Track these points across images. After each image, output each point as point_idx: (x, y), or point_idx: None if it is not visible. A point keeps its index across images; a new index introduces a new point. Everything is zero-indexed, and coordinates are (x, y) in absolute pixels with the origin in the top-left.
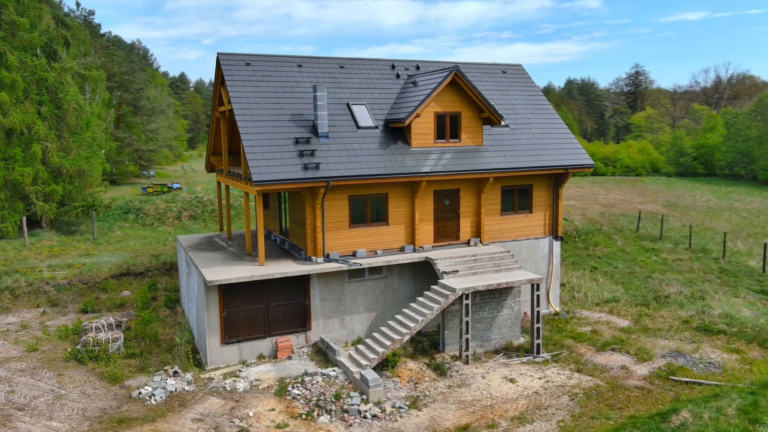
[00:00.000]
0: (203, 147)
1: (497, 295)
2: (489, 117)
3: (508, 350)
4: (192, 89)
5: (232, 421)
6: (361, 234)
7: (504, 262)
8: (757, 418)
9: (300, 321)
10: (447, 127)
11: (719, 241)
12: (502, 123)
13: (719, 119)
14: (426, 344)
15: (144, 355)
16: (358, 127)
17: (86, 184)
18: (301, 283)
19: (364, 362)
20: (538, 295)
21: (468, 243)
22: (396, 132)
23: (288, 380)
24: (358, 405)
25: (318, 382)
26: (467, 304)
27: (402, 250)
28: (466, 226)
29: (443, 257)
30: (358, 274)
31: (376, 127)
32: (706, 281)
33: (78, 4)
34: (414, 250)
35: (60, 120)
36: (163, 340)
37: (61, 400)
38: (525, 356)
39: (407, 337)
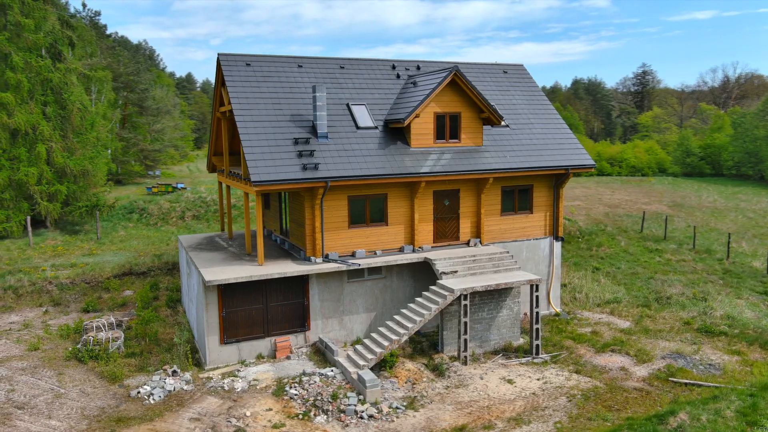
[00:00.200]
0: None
1: (496, 295)
2: (489, 117)
3: (508, 351)
4: (199, 89)
5: (229, 421)
6: (360, 234)
7: (503, 263)
8: (756, 420)
9: (299, 321)
10: (447, 128)
11: (724, 241)
12: (502, 123)
13: (726, 119)
14: (425, 345)
15: (144, 354)
16: (358, 127)
17: (90, 184)
18: (300, 283)
19: (361, 362)
20: (537, 296)
21: (468, 243)
22: (396, 132)
23: (286, 380)
24: (355, 405)
25: (315, 382)
26: (465, 305)
27: (401, 250)
28: (465, 227)
29: (442, 258)
30: (357, 274)
31: (376, 127)
32: (709, 282)
33: (84, 5)
34: (413, 251)
35: (64, 120)
36: (163, 339)
37: (60, 398)
38: (524, 357)
39: (405, 338)
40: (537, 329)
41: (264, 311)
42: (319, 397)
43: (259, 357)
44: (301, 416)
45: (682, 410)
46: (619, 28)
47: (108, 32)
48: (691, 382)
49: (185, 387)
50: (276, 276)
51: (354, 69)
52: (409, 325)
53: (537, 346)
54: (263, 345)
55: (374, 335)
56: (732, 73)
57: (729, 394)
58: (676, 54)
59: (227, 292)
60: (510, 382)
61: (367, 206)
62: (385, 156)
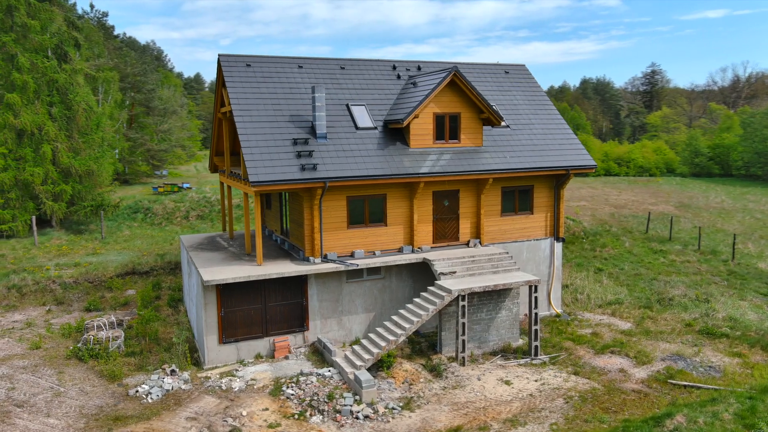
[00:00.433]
0: None
1: (495, 296)
2: (489, 118)
3: (506, 352)
4: (207, 89)
5: (226, 420)
6: (359, 234)
7: (502, 264)
8: (754, 423)
9: (297, 321)
10: (446, 128)
11: (730, 242)
12: (502, 123)
13: (735, 119)
14: (424, 345)
15: (144, 353)
16: (357, 127)
17: (95, 184)
18: (299, 283)
19: (358, 363)
20: (535, 297)
21: (467, 244)
22: (395, 133)
23: (283, 380)
24: (351, 405)
25: (312, 382)
26: (463, 306)
27: (400, 250)
28: (465, 227)
29: (441, 258)
30: (356, 274)
31: (375, 127)
32: (712, 284)
33: (92, 6)
34: (412, 251)
35: (70, 121)
36: (164, 339)
37: (59, 397)
38: (522, 358)
39: (402, 338)
40: (536, 330)
41: (262, 311)
42: (315, 397)
43: (258, 357)
44: (297, 416)
45: (679, 413)
46: (629, 27)
47: (116, 33)
48: (691, 384)
49: (183, 386)
50: (274, 276)
51: (354, 69)
52: (407, 325)
53: (536, 347)
54: (262, 345)
55: (372, 336)
56: (742, 73)
57: (728, 397)
58: (687, 53)
59: (226, 292)
60: (507, 383)
61: (366, 206)
62: (384, 156)
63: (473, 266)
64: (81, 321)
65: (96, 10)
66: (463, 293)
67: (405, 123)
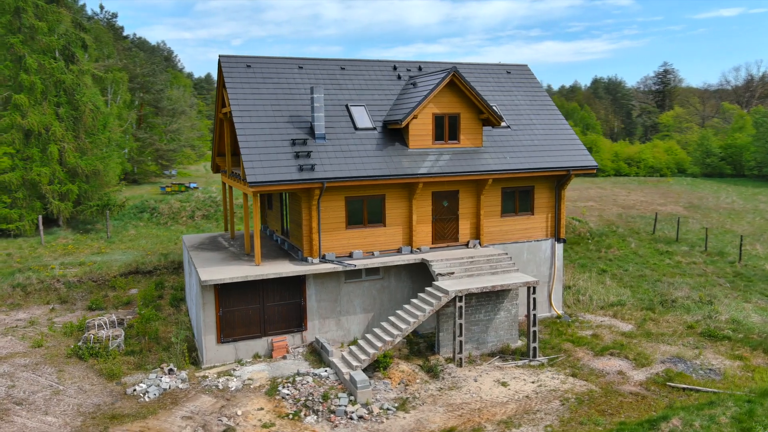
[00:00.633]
0: None
1: (494, 297)
2: (488, 118)
3: (505, 353)
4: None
5: (220, 420)
6: (357, 235)
7: (501, 265)
8: (751, 427)
9: (296, 321)
10: (446, 129)
11: (738, 244)
12: (502, 124)
13: (748, 119)
14: (422, 346)
15: (143, 352)
16: (356, 128)
17: (102, 183)
18: (297, 283)
19: (355, 363)
20: (534, 298)
21: (467, 245)
22: (394, 133)
23: (280, 380)
24: (345, 406)
25: (308, 382)
26: (461, 307)
27: (399, 251)
28: (465, 228)
29: (439, 259)
30: (354, 275)
31: (374, 128)
32: (717, 285)
33: (102, 7)
34: (411, 252)
35: (77, 121)
36: (164, 338)
37: (58, 395)
38: (521, 360)
39: (399, 339)
40: (534, 332)
41: (261, 311)
42: (310, 398)
43: (256, 356)
44: (291, 416)
45: (676, 416)
46: (642, 26)
47: (126, 34)
48: (689, 387)
49: (180, 385)
50: (272, 276)
51: (355, 70)
52: (403, 326)
53: (534, 348)
54: (260, 344)
55: (368, 336)
56: (756, 72)
57: (726, 400)
58: (700, 52)
59: (224, 292)
60: (504, 384)
61: (365, 207)
62: (383, 157)
63: (472, 267)
64: (83, 320)
65: (105, 11)
66: (460, 294)
67: (403, 123)
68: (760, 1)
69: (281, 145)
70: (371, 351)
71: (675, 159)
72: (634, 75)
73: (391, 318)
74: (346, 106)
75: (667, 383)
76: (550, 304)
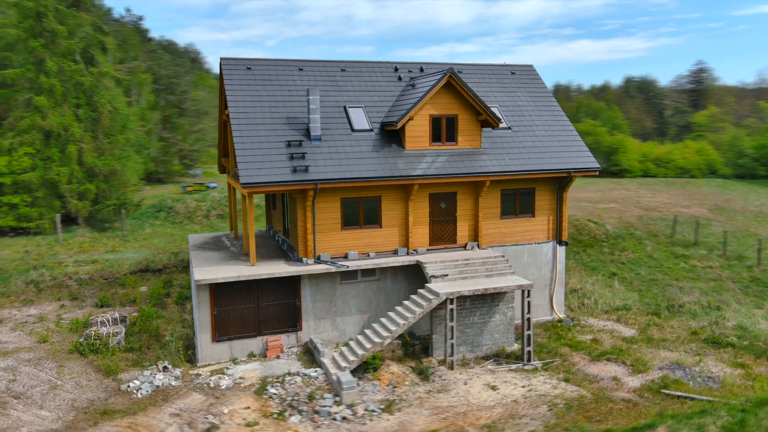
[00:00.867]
0: None
1: (489, 300)
2: (486, 119)
3: (500, 357)
4: None
5: (206, 417)
6: (353, 236)
7: (497, 267)
8: None
9: (291, 321)
10: (443, 130)
11: (759, 248)
12: (501, 125)
13: None
14: (418, 348)
15: (142, 349)
16: (353, 129)
17: (120, 183)
18: (292, 283)
19: (344, 364)
20: (528, 302)
21: (465, 247)
22: (391, 135)
23: (270, 379)
24: (330, 406)
25: (297, 382)
26: (452, 309)
27: (395, 252)
28: (463, 230)
29: (434, 261)
30: (350, 275)
31: (372, 129)
32: (730, 290)
33: (128, 10)
34: (408, 253)
35: (95, 122)
36: (164, 335)
37: (55, 390)
38: (515, 363)
39: (388, 341)
40: (529, 335)
41: (256, 311)
42: (296, 398)
43: (251, 355)
44: (276, 415)
45: (663, 424)
46: (680, 23)
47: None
48: (684, 394)
49: (174, 383)
50: (265, 276)
51: (355, 71)
52: (393, 328)
53: (529, 352)
54: (255, 344)
55: (359, 337)
56: None
57: (719, 409)
58: (739, 50)
59: (219, 291)
60: (493, 388)
61: (361, 208)
62: (378, 158)
63: (466, 269)
64: (87, 316)
65: (132, 14)
66: (451, 296)
67: (399, 125)
68: None
69: (276, 146)
70: (360, 352)
71: (706, 160)
72: (670, 73)
73: (383, 320)
74: (344, 107)
75: (662, 390)
76: (552, 307)
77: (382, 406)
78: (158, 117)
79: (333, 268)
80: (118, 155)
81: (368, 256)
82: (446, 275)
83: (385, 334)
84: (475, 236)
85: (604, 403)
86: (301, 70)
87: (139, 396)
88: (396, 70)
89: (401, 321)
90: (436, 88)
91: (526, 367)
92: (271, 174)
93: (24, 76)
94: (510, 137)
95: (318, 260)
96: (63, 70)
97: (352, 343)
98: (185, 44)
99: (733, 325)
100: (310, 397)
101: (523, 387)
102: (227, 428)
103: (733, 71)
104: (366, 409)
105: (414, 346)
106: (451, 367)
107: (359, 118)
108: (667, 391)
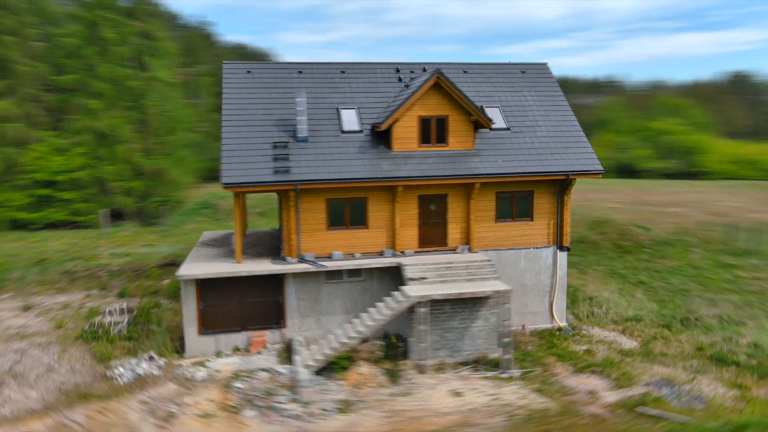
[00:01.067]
0: None
1: (470, 305)
2: (478, 120)
3: (480, 363)
4: None
5: (168, 407)
6: (339, 237)
7: (481, 272)
8: None
9: (275, 318)
10: (433, 131)
11: None
12: (500, 126)
13: None
14: (401, 350)
15: (140, 339)
16: (342, 131)
17: (166, 181)
18: (276, 281)
19: (310, 363)
20: (507, 308)
21: (455, 250)
22: (380, 136)
23: (242, 373)
24: (285, 403)
25: (264, 378)
26: (424, 312)
27: (381, 254)
28: (454, 233)
29: (415, 263)
30: (335, 275)
31: (361, 131)
32: (766, 305)
33: (197, 17)
34: (394, 255)
35: (144, 124)
36: (168, 326)
37: (50, 372)
38: (492, 371)
39: (355, 342)
40: (508, 342)
41: (241, 306)
42: (257, 393)
43: (236, 349)
44: (233, 409)
45: None
46: None
47: (219, 40)
48: (659, 414)
49: (156, 372)
50: (246, 274)
51: (355, 73)
52: (362, 329)
53: (507, 360)
54: (240, 339)
55: (330, 336)
56: None
57: None
58: None
59: (205, 287)
60: (458, 395)
61: (347, 209)
62: (364, 160)
63: (447, 273)
64: (98, 306)
65: (198, 19)
66: (422, 300)
67: (383, 127)
68: None
69: (262, 147)
70: (328, 352)
71: None
72: None
73: (355, 320)
74: (337, 109)
75: (636, 408)
76: (552, 315)
77: (339, 407)
78: (219, 118)
79: (313, 268)
80: (166, 155)
81: (353, 256)
82: (424, 278)
83: (352, 334)
84: (467, 239)
85: (567, 417)
86: (300, 72)
87: (121, 383)
88: (397, 71)
89: (370, 323)
90: (422, 90)
91: (502, 375)
92: (253, 175)
93: (79, 81)
94: (508, 138)
95: (301, 259)
96: (115, 74)
97: (324, 343)
98: (260, 47)
99: (748, 342)
100: (268, 393)
101: (490, 396)
102: (183, 418)
103: None
104: (322, 409)
105: (398, 348)
106: (422, 372)
107: (350, 120)
108: (642, 409)
